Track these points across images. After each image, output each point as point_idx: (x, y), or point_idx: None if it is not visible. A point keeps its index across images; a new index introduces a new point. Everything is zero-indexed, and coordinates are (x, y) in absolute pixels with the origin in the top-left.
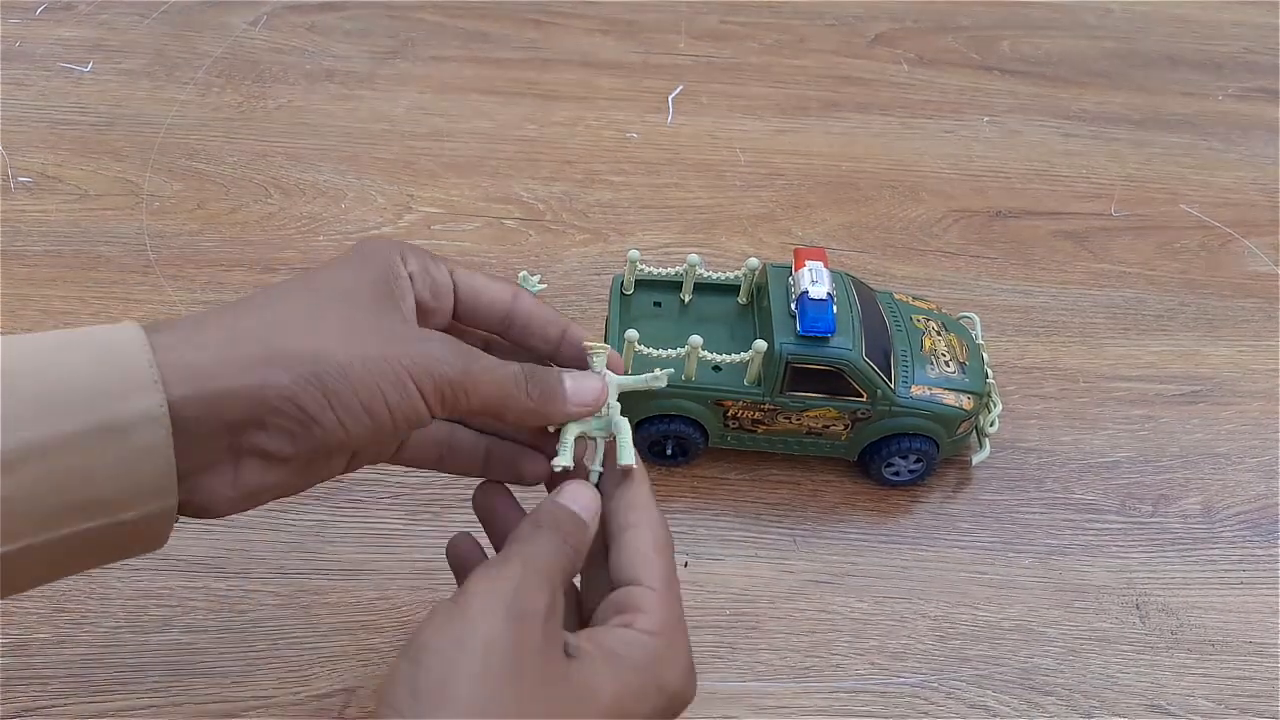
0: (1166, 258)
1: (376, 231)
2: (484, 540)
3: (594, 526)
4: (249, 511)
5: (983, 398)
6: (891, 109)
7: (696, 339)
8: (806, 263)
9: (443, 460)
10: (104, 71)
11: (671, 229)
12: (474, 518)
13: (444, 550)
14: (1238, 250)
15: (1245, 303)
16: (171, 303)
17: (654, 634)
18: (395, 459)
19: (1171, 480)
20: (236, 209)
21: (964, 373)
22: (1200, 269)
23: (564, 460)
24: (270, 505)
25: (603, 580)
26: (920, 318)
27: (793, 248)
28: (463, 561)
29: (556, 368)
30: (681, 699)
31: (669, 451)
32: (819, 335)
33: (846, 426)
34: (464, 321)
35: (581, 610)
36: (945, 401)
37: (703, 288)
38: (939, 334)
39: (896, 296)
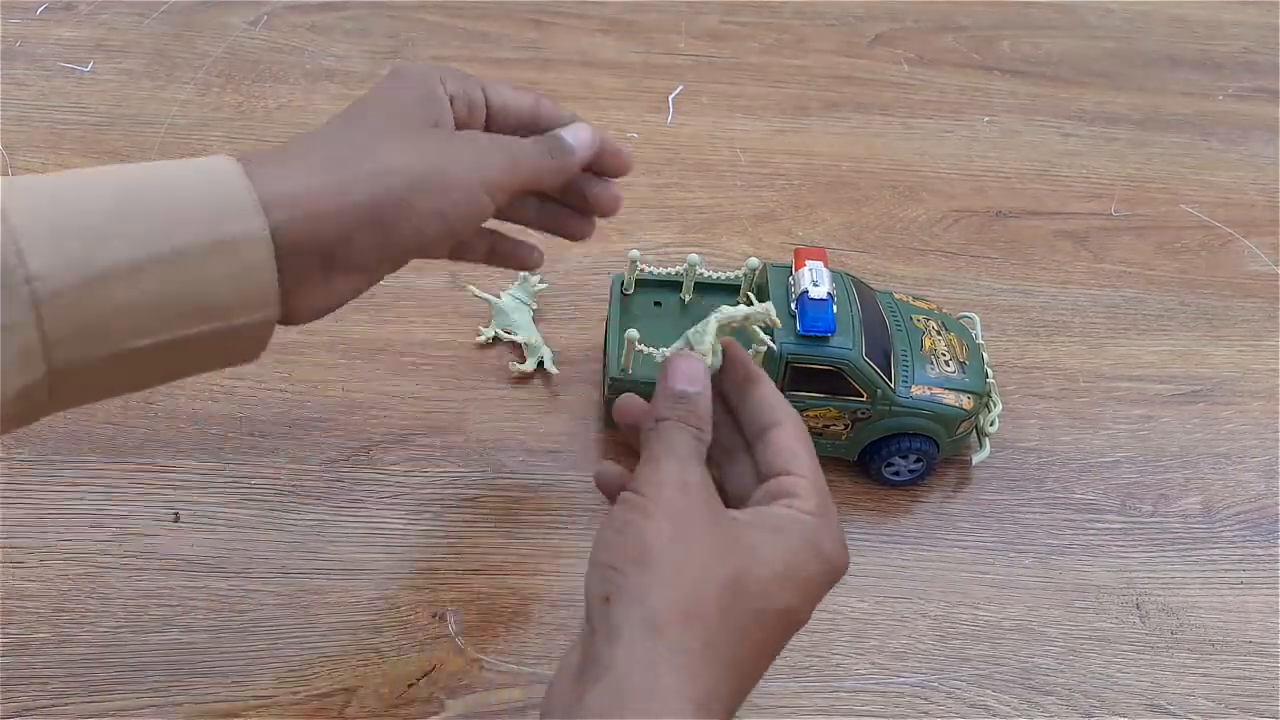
0: (1166, 258)
1: None
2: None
3: (707, 392)
4: (250, 511)
5: (983, 397)
6: (892, 109)
7: (692, 332)
8: (806, 262)
9: (494, 251)
10: (104, 71)
11: (671, 229)
12: (473, 517)
13: (442, 549)
14: (1238, 250)
15: (1245, 303)
16: None
17: (813, 515)
18: (453, 255)
19: (1171, 480)
20: None
21: (964, 372)
22: (1200, 269)
23: (711, 361)
24: (270, 505)
25: (744, 473)
26: (920, 317)
27: (793, 247)
28: (612, 484)
29: (557, 131)
30: (838, 568)
31: None
32: (819, 335)
33: (847, 426)
34: (493, 128)
35: (726, 499)
36: (945, 401)
37: (703, 288)
38: (939, 334)
39: (897, 296)
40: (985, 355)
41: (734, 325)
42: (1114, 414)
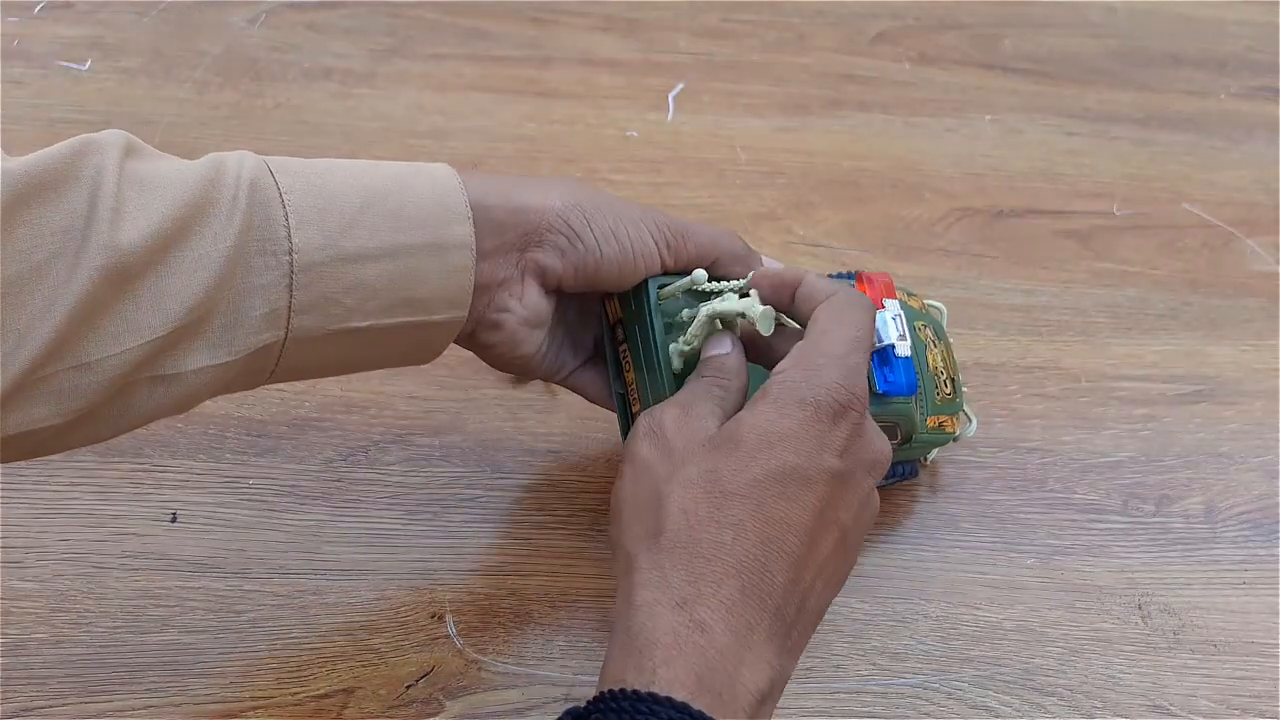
0: (1169, 257)
1: None
2: None
3: (734, 353)
4: (248, 512)
5: (957, 415)
6: (893, 107)
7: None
8: (885, 303)
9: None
10: (102, 70)
11: None
12: (473, 518)
13: (442, 549)
14: (1241, 250)
15: (1248, 302)
16: None
17: (788, 367)
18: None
19: (1174, 480)
20: None
21: (954, 390)
22: (1203, 268)
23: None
24: (268, 505)
25: None
26: (920, 324)
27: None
28: None
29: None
30: (834, 401)
31: None
32: (899, 397)
33: None
34: None
35: None
36: (946, 430)
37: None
38: (935, 346)
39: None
40: (955, 358)
41: (727, 319)
42: (1116, 414)
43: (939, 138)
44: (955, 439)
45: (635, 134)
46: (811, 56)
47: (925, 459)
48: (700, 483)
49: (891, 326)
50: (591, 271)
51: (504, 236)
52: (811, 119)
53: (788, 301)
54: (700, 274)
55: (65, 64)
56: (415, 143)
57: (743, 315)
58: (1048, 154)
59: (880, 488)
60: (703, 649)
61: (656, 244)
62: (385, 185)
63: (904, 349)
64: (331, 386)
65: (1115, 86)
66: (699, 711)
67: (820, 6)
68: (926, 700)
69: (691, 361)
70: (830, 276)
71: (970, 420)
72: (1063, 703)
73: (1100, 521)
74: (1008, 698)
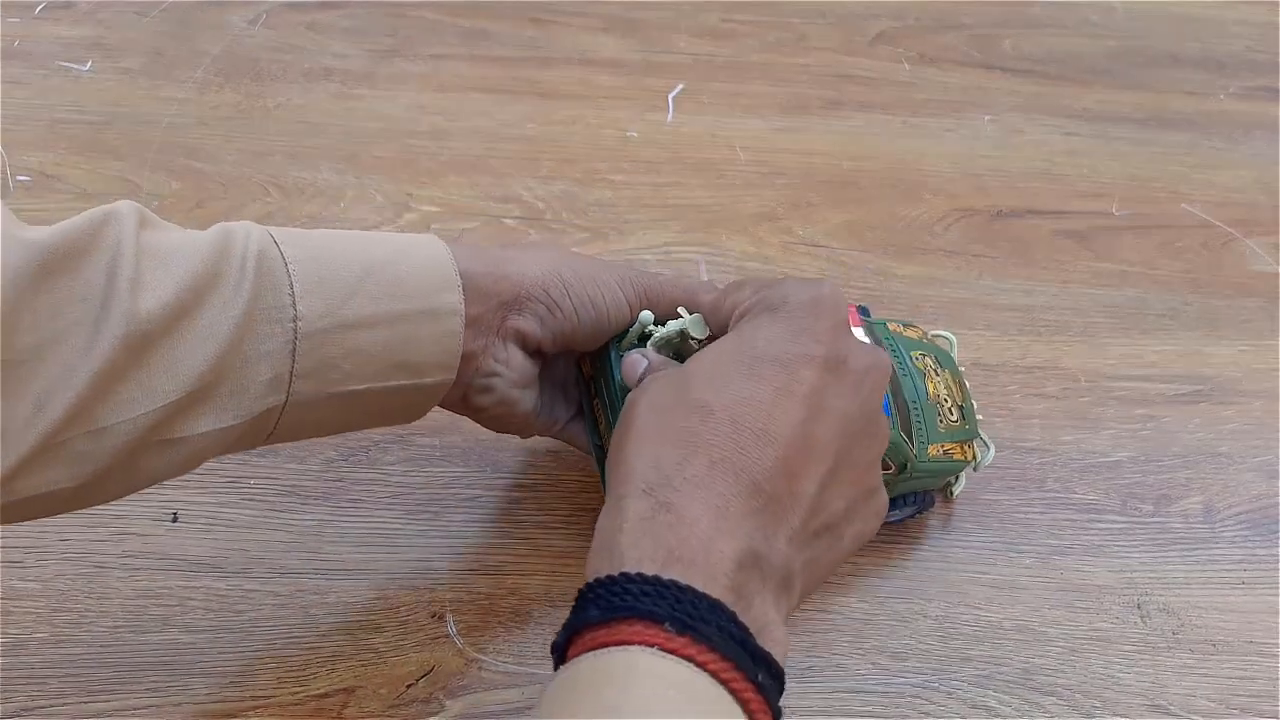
0: (1168, 257)
1: (376, 232)
2: None
3: (656, 360)
4: (248, 512)
5: (972, 442)
6: (893, 108)
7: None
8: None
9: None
10: (103, 70)
11: (672, 228)
12: (473, 517)
13: (442, 549)
14: (1240, 250)
15: (1247, 302)
16: None
17: (755, 295)
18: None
19: (1173, 480)
20: (235, 208)
21: (963, 417)
22: (1202, 268)
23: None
24: (269, 505)
25: None
26: (918, 354)
27: (790, 243)
28: None
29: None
30: (813, 298)
31: None
32: None
33: None
34: None
35: None
36: (954, 457)
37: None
38: (937, 374)
39: (890, 327)
40: (967, 384)
41: (672, 341)
42: (1115, 414)
43: (939, 138)
44: (974, 468)
45: (635, 134)
46: (811, 57)
47: (952, 493)
48: (670, 382)
49: None
50: (568, 336)
51: (487, 304)
52: (811, 119)
53: (725, 318)
54: (646, 315)
55: (66, 64)
56: (415, 143)
57: (682, 332)
58: (1047, 154)
59: (895, 522)
60: (670, 525)
61: (631, 307)
62: (384, 255)
63: None
64: None
65: (1115, 87)
66: (670, 580)
67: (820, 7)
68: (926, 700)
69: None
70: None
71: (988, 447)
72: (1062, 702)
73: (1099, 521)
74: (1007, 697)
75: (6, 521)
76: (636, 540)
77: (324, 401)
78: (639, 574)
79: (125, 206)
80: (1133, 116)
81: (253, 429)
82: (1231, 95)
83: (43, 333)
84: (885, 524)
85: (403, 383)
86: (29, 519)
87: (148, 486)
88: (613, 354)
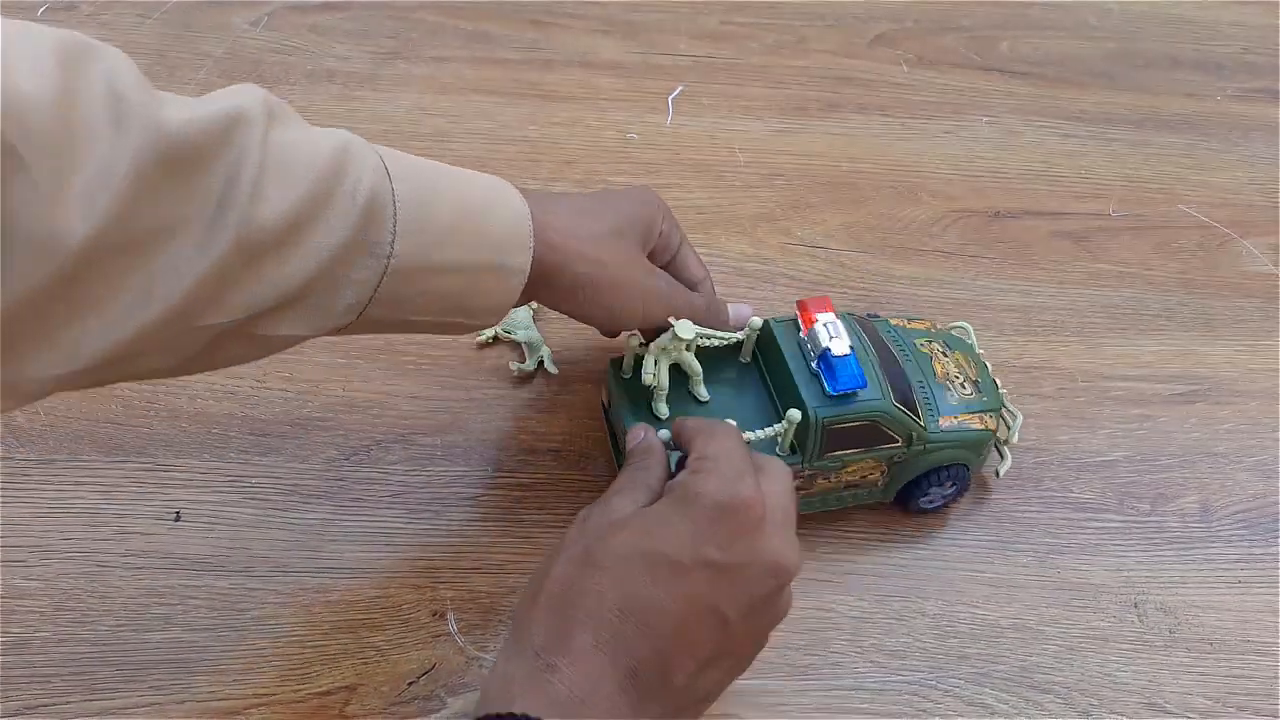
0: (1165, 258)
1: None
2: None
3: (647, 436)
4: (251, 510)
5: (1000, 412)
6: (891, 109)
7: (731, 424)
8: (817, 316)
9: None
10: None
11: None
12: (474, 517)
13: (443, 548)
14: (1236, 250)
15: (1243, 302)
16: None
17: (682, 477)
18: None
19: (1169, 479)
20: None
21: (979, 391)
22: (1199, 269)
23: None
24: (271, 504)
25: None
26: (923, 341)
27: (791, 244)
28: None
29: (726, 303)
30: (726, 501)
31: None
32: (851, 391)
33: (883, 473)
34: (665, 267)
35: None
36: (972, 427)
37: (701, 351)
38: (945, 355)
39: (893, 322)
40: (989, 365)
41: (668, 349)
42: (1112, 413)
43: (936, 139)
44: (1005, 441)
45: (635, 136)
46: (810, 59)
47: (999, 473)
48: (580, 557)
49: (823, 333)
50: (578, 317)
51: (535, 268)
52: (810, 121)
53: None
54: (634, 339)
55: None
56: (417, 145)
57: (674, 338)
58: (1045, 155)
59: (936, 507)
60: (553, 685)
61: (645, 316)
62: (478, 202)
63: (839, 348)
64: (334, 387)
65: (1112, 88)
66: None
67: (819, 9)
68: (924, 698)
69: (671, 397)
70: (777, 322)
71: (1015, 415)
72: (1059, 700)
73: (1096, 520)
74: (1005, 695)
75: (101, 383)
76: (525, 692)
77: (386, 324)
78: (525, 715)
79: (255, 104)
80: (1130, 118)
81: (319, 333)
82: (1228, 97)
83: (157, 222)
84: (927, 509)
85: (457, 320)
86: (119, 382)
87: (222, 368)
88: (610, 377)
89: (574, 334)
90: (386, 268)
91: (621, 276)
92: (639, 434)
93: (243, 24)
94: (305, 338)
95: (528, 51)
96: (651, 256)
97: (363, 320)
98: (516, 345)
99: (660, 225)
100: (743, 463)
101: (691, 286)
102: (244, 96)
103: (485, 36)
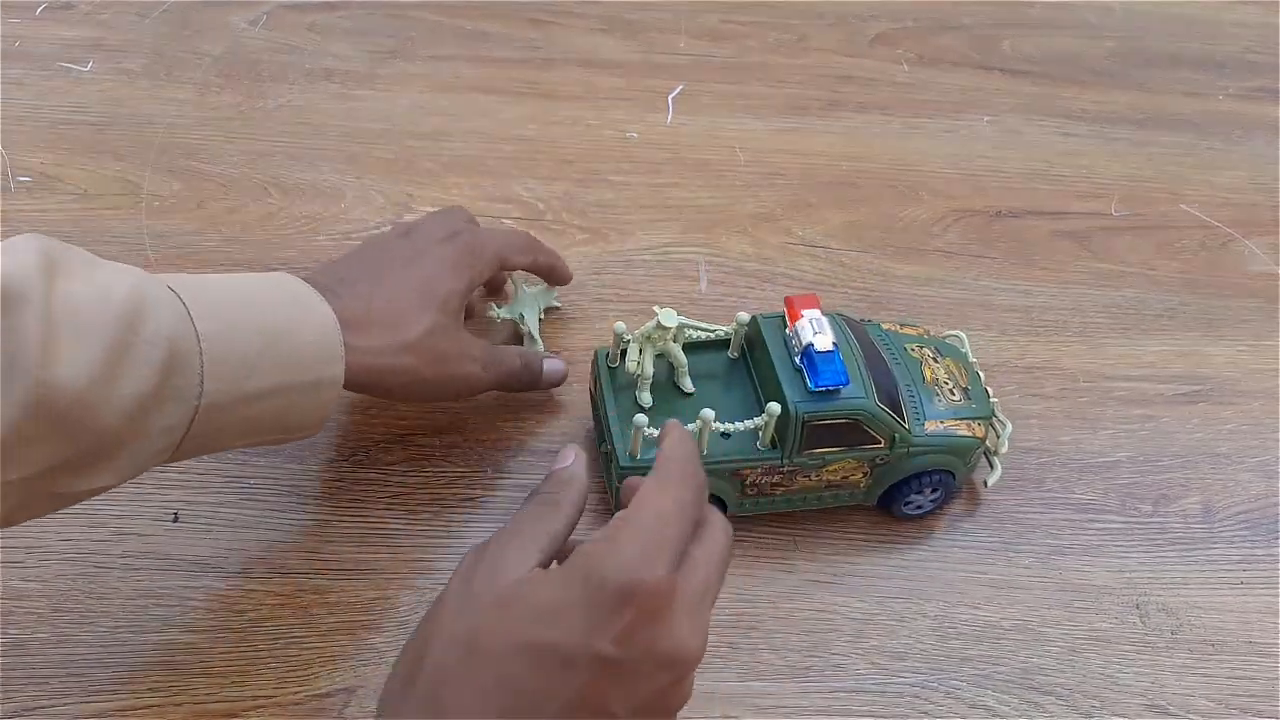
0: (1167, 257)
1: (376, 231)
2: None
3: (575, 463)
4: (249, 511)
5: (990, 420)
6: (892, 108)
7: (708, 412)
8: (803, 313)
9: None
10: (103, 71)
11: (671, 229)
12: (472, 517)
13: (442, 549)
14: (1238, 250)
15: (1246, 302)
16: None
17: (597, 539)
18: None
19: (1171, 480)
20: (236, 209)
21: (969, 398)
22: (1201, 269)
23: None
24: (270, 505)
25: None
26: (914, 346)
27: (790, 244)
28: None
29: (536, 353)
30: (631, 588)
31: None
32: (832, 388)
33: (865, 475)
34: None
35: None
36: (959, 433)
37: (691, 347)
38: (935, 361)
39: (884, 326)
40: (981, 375)
41: (652, 337)
42: (1114, 414)
43: (937, 139)
44: (994, 451)
45: (635, 135)
46: (810, 58)
47: (986, 483)
48: (463, 640)
49: (807, 329)
50: (416, 401)
51: (354, 386)
52: (810, 120)
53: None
54: (620, 325)
55: (66, 65)
56: (416, 144)
57: (658, 326)
58: (1046, 155)
59: (922, 513)
60: None
61: (468, 390)
62: (284, 322)
63: (823, 344)
64: None
65: (1113, 87)
66: None
67: (819, 8)
68: (925, 699)
69: (658, 388)
70: (765, 318)
71: (1005, 424)
72: (1061, 702)
73: (1098, 521)
74: (1006, 696)
75: None
76: None
77: (200, 453)
78: None
79: (28, 267)
80: (1131, 117)
81: (126, 480)
82: (1230, 96)
83: None
84: (912, 516)
85: (277, 437)
86: None
87: (25, 522)
88: (598, 366)
89: (574, 334)
90: (197, 409)
91: (434, 374)
92: (568, 457)
93: (241, 23)
94: (112, 487)
95: (527, 51)
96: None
97: (175, 457)
98: (517, 331)
99: (479, 266)
100: (665, 534)
101: (547, 275)
102: (15, 259)
103: (484, 35)
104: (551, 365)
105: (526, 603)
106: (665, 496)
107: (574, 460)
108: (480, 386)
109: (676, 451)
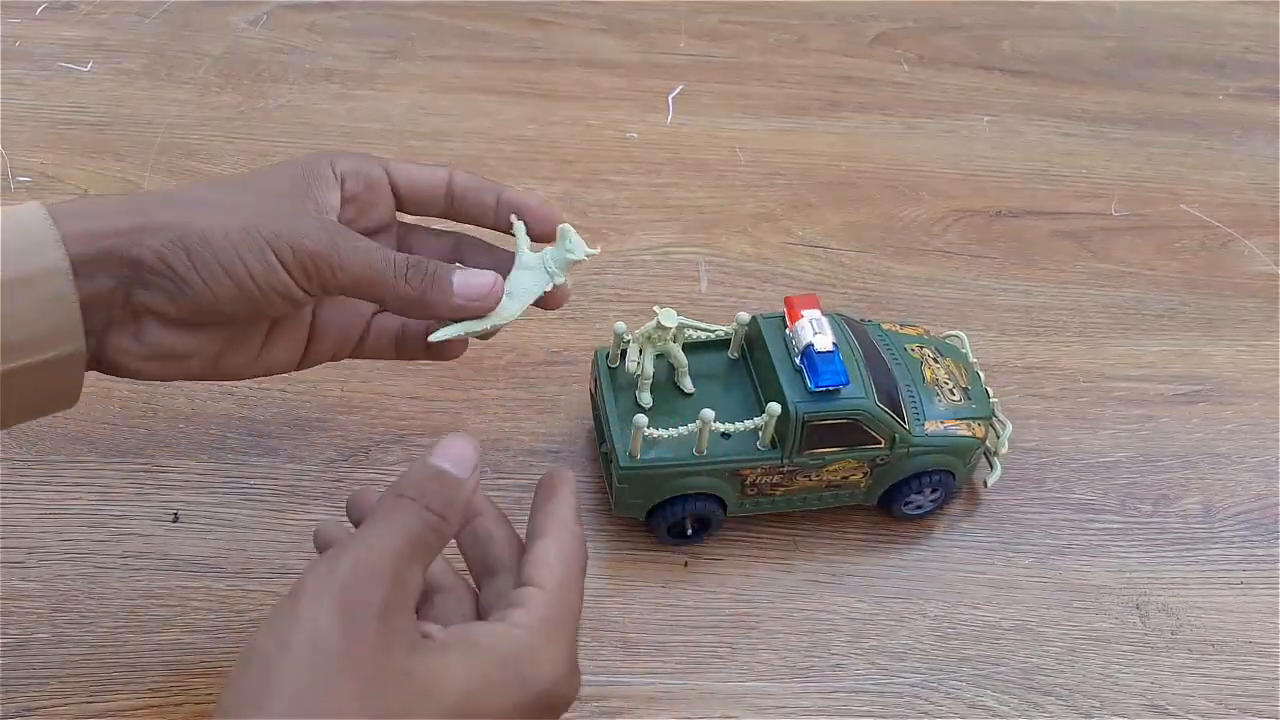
0: (1167, 257)
1: None
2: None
3: (473, 478)
4: (249, 511)
5: (990, 421)
6: (892, 108)
7: (708, 412)
8: (803, 313)
9: (402, 349)
10: (104, 71)
11: (671, 229)
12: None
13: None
14: (1238, 250)
15: (1245, 302)
16: None
17: (526, 628)
18: (357, 353)
19: (1171, 480)
20: None
21: (969, 398)
22: (1200, 269)
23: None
24: (269, 505)
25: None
26: (914, 346)
27: (790, 244)
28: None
29: (451, 264)
30: (554, 698)
31: (689, 531)
32: (832, 388)
33: (866, 475)
34: (410, 210)
35: (480, 613)
36: (959, 433)
37: (690, 346)
38: (936, 361)
39: (884, 326)
40: (981, 375)
41: (652, 338)
42: (1114, 414)
43: (937, 139)
44: (994, 451)
45: (635, 135)
46: (810, 58)
47: (986, 483)
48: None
49: (807, 329)
50: (210, 309)
51: (100, 279)
52: (810, 120)
53: (539, 504)
54: (619, 325)
55: (66, 65)
56: (416, 144)
57: (658, 326)
58: (1046, 155)
59: (921, 514)
60: None
61: (290, 270)
62: None
63: (822, 344)
64: (332, 388)
65: (1113, 88)
66: None
67: (819, 8)
68: (924, 699)
69: (658, 389)
70: (765, 318)
71: (1005, 424)
72: (1061, 702)
73: (1098, 521)
74: (1006, 696)
75: None
76: None
77: None
78: None
79: None
80: (1131, 117)
81: None
82: (1230, 96)
83: None
84: (912, 516)
85: (13, 365)
86: None
87: None
88: (598, 366)
89: (574, 334)
90: None
91: (223, 228)
92: (459, 450)
93: (241, 23)
94: None
95: (527, 51)
96: (365, 211)
97: None
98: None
99: (331, 169)
100: (576, 628)
101: (437, 196)
102: None
103: (484, 35)
104: (467, 279)
105: (434, 704)
106: (577, 587)
107: (469, 453)
108: (283, 286)
109: (577, 530)
